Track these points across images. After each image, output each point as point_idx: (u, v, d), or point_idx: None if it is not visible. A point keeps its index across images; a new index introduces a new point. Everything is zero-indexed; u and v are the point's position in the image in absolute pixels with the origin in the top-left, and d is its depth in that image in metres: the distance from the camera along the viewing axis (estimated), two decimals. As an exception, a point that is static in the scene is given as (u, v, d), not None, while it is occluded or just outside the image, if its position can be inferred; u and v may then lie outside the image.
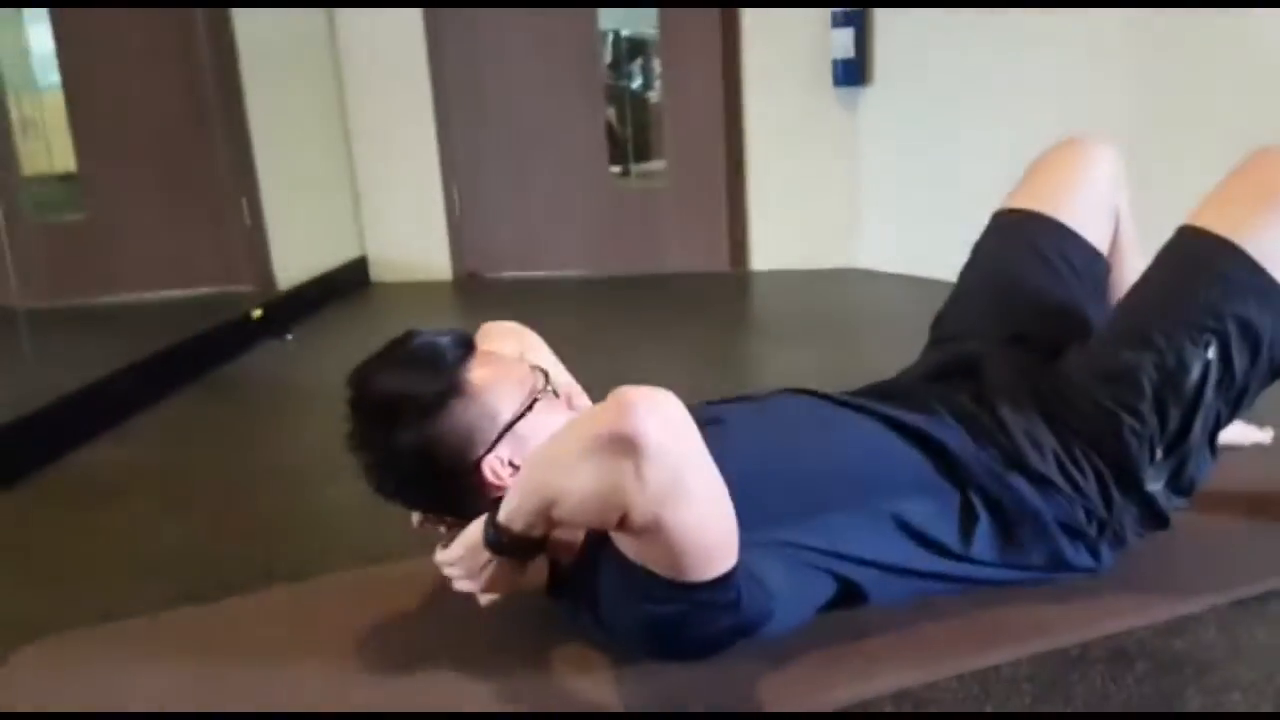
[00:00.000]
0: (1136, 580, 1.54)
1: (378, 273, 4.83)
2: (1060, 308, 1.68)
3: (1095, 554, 1.52)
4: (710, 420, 1.35)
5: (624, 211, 4.62)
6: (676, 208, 4.53)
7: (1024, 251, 1.72)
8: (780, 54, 4.25)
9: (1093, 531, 1.51)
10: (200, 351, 3.44)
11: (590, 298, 4.37)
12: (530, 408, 1.41)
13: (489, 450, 1.39)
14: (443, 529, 1.49)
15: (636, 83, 5.03)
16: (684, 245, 4.52)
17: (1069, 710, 1.29)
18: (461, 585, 1.38)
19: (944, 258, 3.83)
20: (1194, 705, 1.29)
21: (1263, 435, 1.96)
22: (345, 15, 4.52)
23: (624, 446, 1.14)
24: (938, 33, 3.83)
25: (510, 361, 1.48)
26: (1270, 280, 1.41)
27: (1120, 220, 1.76)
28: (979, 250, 1.79)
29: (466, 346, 1.43)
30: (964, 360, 1.64)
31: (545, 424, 1.39)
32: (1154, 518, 1.54)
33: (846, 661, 1.40)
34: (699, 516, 1.20)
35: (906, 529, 1.45)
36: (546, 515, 1.27)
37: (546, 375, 1.47)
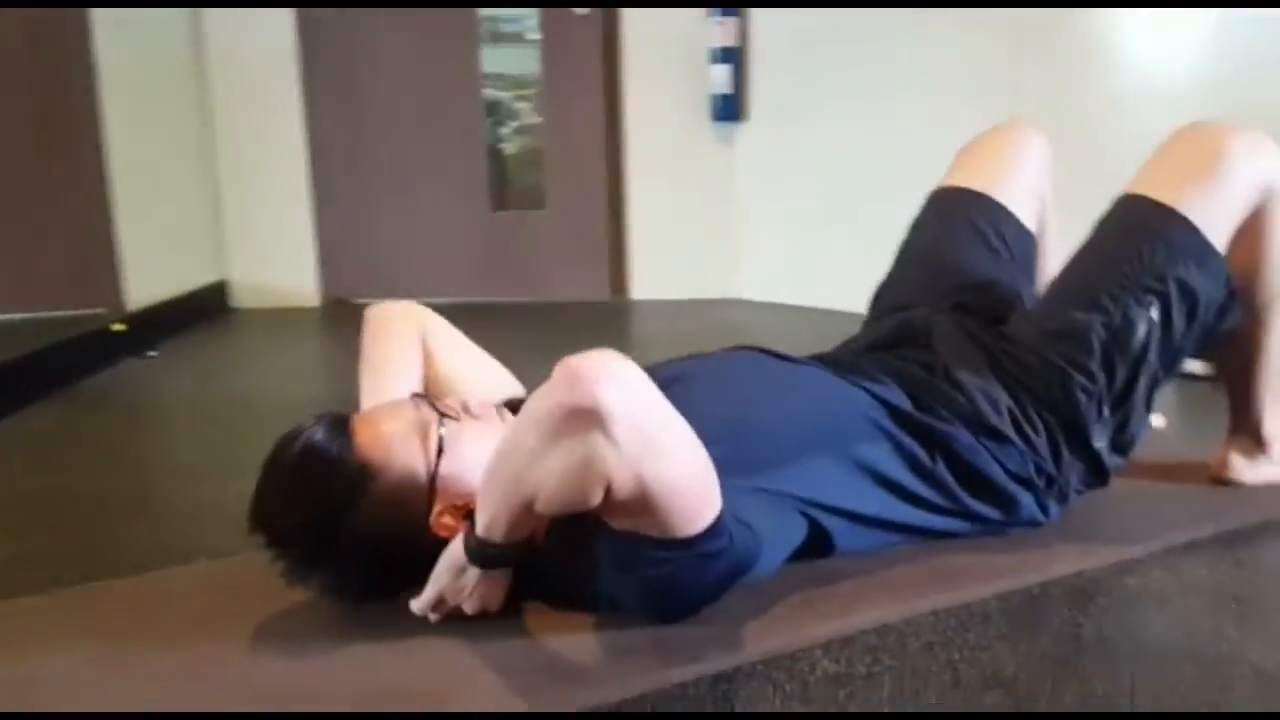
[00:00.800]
0: (1078, 531, 1.62)
1: (240, 298, 4.63)
2: (995, 282, 1.76)
3: (1044, 507, 1.59)
4: (670, 380, 1.34)
5: (503, 240, 4.59)
6: (557, 237, 4.53)
7: (961, 227, 1.80)
8: (660, 89, 4.34)
9: (1042, 485, 1.57)
10: (59, 363, 3.22)
11: (470, 323, 4.28)
12: (441, 451, 1.36)
13: (429, 510, 1.35)
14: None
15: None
16: (565, 274, 4.52)
17: (1045, 638, 1.34)
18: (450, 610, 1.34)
19: (819, 287, 3.99)
20: (1158, 630, 1.36)
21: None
22: (215, 29, 4.38)
23: (586, 418, 1.12)
24: (813, 70, 4.00)
25: (391, 413, 1.41)
26: (1208, 245, 1.53)
27: (1045, 206, 1.87)
28: (917, 226, 1.87)
29: (341, 428, 1.35)
30: (912, 327, 1.69)
31: (467, 452, 1.36)
32: (1097, 474, 1.62)
33: (824, 602, 1.41)
34: (678, 467, 1.20)
35: (872, 473, 1.49)
36: (527, 514, 1.23)
37: (431, 403, 1.42)
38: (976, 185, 1.82)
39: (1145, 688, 1.21)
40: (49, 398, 2.99)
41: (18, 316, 3.88)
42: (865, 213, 4.04)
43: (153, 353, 3.60)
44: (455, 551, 1.30)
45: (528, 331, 3.94)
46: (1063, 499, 1.61)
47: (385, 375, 1.60)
